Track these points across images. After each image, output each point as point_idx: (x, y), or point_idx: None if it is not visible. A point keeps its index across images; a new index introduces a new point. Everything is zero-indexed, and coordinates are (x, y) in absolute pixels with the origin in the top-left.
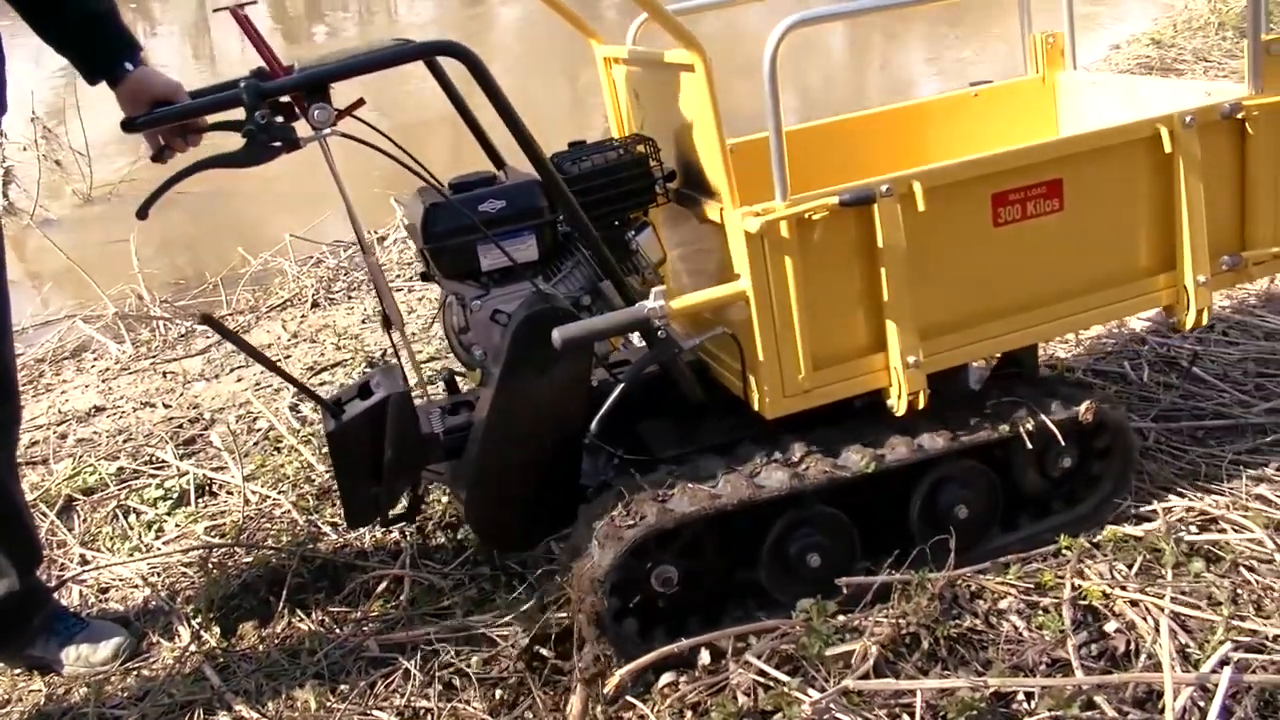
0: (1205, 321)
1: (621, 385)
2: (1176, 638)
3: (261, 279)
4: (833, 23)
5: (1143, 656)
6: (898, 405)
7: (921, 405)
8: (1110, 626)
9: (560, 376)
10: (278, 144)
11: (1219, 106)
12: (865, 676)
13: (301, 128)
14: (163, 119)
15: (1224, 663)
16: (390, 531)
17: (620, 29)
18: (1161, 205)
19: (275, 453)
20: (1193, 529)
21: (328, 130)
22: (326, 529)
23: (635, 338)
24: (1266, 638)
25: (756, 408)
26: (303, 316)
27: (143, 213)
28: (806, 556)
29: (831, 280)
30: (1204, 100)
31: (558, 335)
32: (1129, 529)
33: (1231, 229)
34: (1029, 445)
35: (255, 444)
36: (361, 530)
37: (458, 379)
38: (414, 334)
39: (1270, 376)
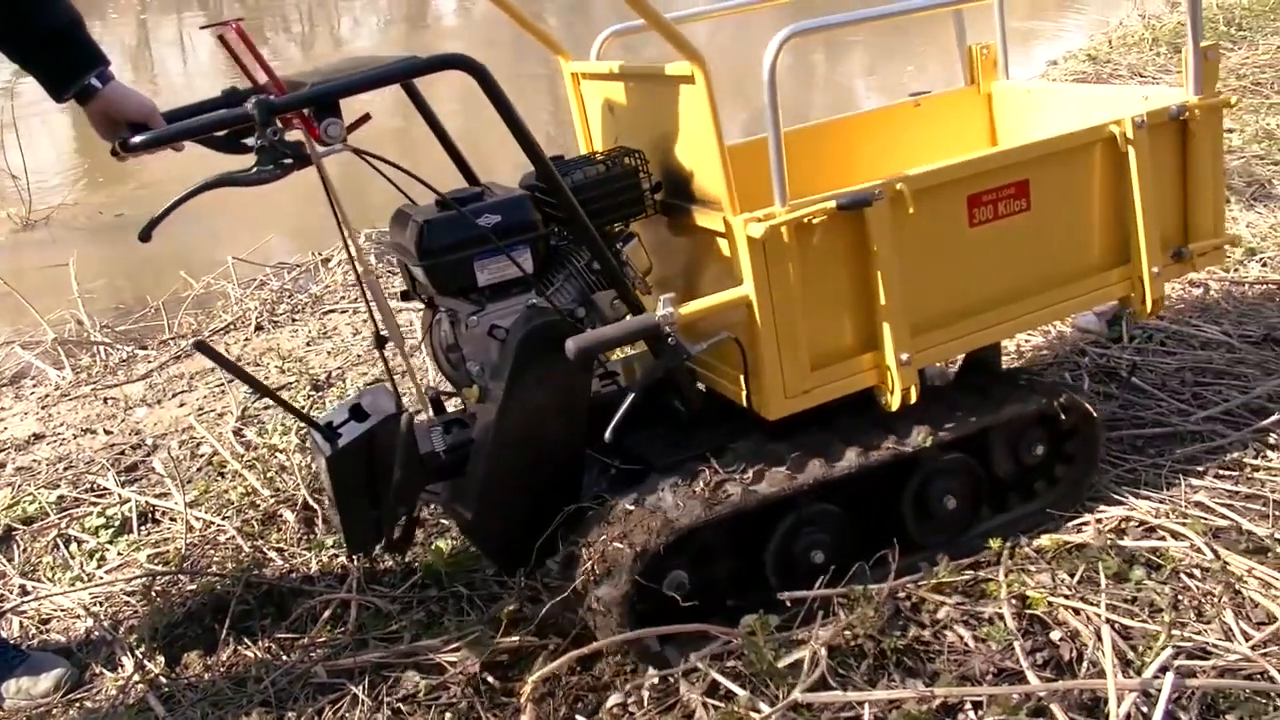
0: (1160, 310)
1: (633, 394)
2: (1119, 645)
3: (204, 302)
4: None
5: (1085, 663)
6: (891, 401)
7: (913, 400)
8: (1055, 635)
9: (563, 388)
10: (288, 161)
11: (1168, 108)
12: (814, 689)
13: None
14: (164, 140)
15: (1166, 668)
16: (337, 555)
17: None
18: (1117, 203)
19: (219, 478)
20: (1134, 537)
21: (341, 146)
22: (272, 554)
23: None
24: (1208, 643)
25: (758, 410)
26: (246, 340)
27: (146, 235)
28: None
29: (827, 282)
30: (1142, 104)
31: (572, 345)
32: (1070, 537)
33: (1176, 223)
34: (1062, 418)
35: (199, 470)
36: (309, 555)
37: (442, 399)
38: (359, 356)
39: (1207, 385)
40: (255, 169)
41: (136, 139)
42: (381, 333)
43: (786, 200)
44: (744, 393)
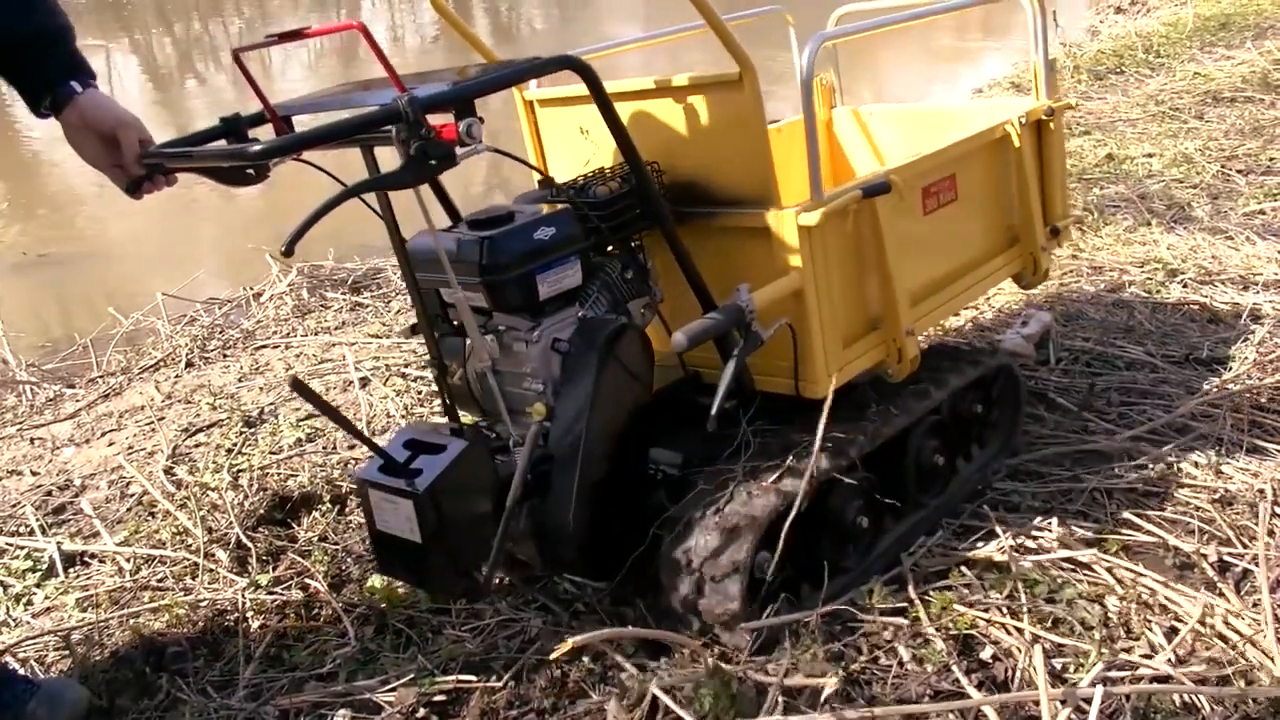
0: (1047, 279)
1: (729, 377)
2: (1052, 661)
3: (133, 339)
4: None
5: (1019, 681)
6: (899, 372)
7: (915, 367)
8: (986, 654)
9: (637, 391)
10: (434, 163)
11: (1041, 108)
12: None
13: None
14: (302, 144)
15: (1098, 683)
16: (272, 593)
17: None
18: (1008, 191)
19: (150, 518)
20: (1061, 555)
21: (483, 146)
22: (204, 594)
23: None
24: (1137, 656)
25: (805, 390)
26: (177, 377)
27: (289, 249)
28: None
29: (850, 266)
30: (990, 115)
31: (681, 337)
32: (998, 556)
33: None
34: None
35: (129, 510)
36: (241, 595)
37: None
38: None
39: (1132, 405)
40: (404, 171)
41: (259, 147)
42: (445, 360)
43: (821, 192)
44: (781, 378)
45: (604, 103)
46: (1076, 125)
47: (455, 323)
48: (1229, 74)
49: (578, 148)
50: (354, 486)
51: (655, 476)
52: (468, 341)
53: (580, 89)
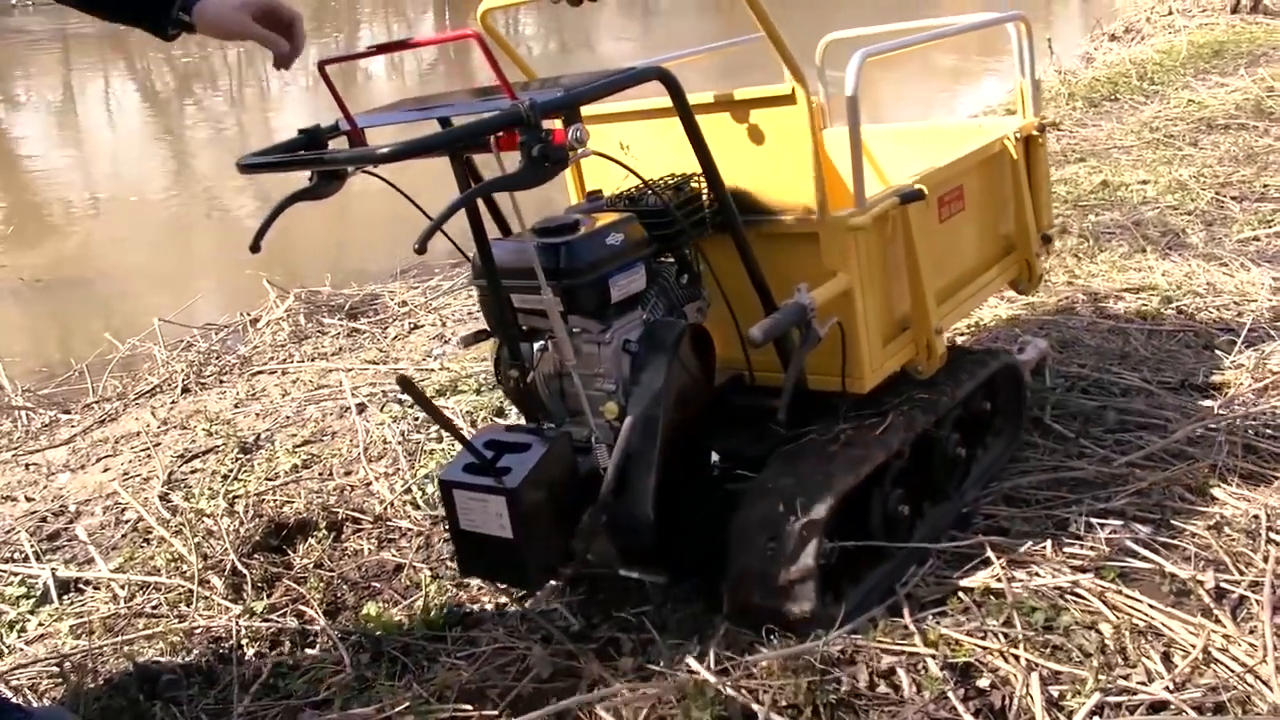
0: (1041, 285)
1: (795, 373)
2: (1049, 688)
3: (130, 365)
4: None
5: (1015, 710)
6: (928, 368)
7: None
8: (984, 683)
9: (703, 388)
10: (548, 164)
11: (1034, 123)
12: None
13: None
14: (430, 148)
15: (1095, 712)
16: (266, 620)
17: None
18: (1005, 201)
19: (145, 544)
20: (1057, 581)
21: (590, 150)
22: (199, 621)
23: None
24: (1134, 683)
25: (853, 386)
26: (173, 403)
27: (422, 248)
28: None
29: (888, 268)
30: (979, 133)
31: (757, 333)
32: (994, 583)
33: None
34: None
35: (123, 536)
36: (236, 621)
37: None
38: (289, 417)
39: (1129, 431)
40: (526, 173)
41: (386, 149)
42: (527, 366)
43: (865, 199)
44: (824, 376)
45: (686, 112)
46: (1071, 152)
47: (523, 328)
48: (1223, 101)
49: (623, 160)
50: (353, 513)
51: (715, 473)
52: (535, 346)
53: (619, 105)
